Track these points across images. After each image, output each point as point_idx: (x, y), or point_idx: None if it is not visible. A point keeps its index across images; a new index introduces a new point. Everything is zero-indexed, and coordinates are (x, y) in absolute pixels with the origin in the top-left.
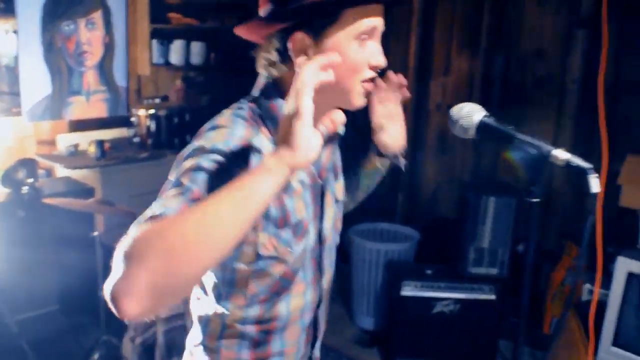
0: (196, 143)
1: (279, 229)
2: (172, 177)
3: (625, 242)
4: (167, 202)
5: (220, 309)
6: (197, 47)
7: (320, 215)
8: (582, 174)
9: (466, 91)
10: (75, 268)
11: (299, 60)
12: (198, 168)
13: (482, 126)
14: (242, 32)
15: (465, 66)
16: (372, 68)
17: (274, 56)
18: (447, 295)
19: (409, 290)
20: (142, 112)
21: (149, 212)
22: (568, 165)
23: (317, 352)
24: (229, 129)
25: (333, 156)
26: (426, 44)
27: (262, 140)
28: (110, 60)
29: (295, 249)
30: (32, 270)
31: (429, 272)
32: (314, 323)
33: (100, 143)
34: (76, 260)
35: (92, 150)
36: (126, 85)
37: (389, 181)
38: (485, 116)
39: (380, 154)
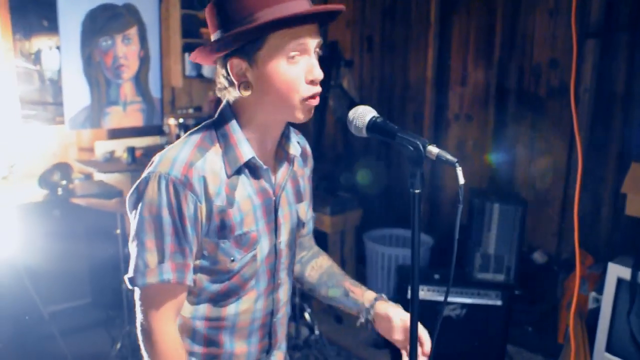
0: (146, 171)
1: (219, 239)
2: (135, 213)
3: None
4: (157, 265)
5: None
6: None
7: (274, 230)
8: (451, 166)
9: (482, 101)
10: (104, 263)
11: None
12: (159, 236)
13: (370, 125)
14: (195, 57)
15: (481, 77)
16: (310, 83)
17: (222, 81)
18: (453, 299)
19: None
20: (172, 121)
21: (150, 266)
22: (438, 158)
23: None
24: (174, 155)
25: (296, 179)
26: (443, 56)
27: (209, 162)
28: (145, 72)
29: (240, 259)
30: (67, 265)
31: (436, 276)
32: (269, 332)
33: (131, 150)
34: (104, 256)
35: (125, 156)
36: (160, 97)
37: (407, 188)
38: (374, 117)
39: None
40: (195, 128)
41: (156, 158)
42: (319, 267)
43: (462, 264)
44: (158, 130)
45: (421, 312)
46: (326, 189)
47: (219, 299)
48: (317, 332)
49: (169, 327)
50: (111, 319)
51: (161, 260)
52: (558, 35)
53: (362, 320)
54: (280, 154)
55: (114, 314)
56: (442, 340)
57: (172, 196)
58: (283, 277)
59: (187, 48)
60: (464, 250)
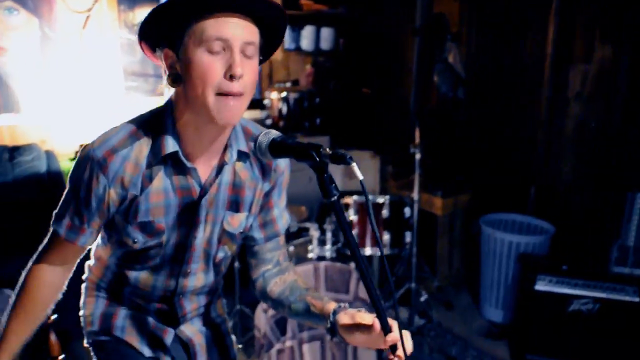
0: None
1: (124, 221)
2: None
3: None
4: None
5: (95, 255)
6: (327, 33)
7: (190, 226)
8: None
9: (609, 81)
10: None
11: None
12: (68, 197)
13: (271, 146)
14: (144, 50)
15: (609, 55)
16: (228, 79)
17: (164, 73)
18: (585, 293)
19: (543, 285)
20: (274, 95)
21: (56, 215)
22: (332, 157)
23: (186, 332)
24: (108, 137)
25: (240, 188)
26: (566, 32)
27: (135, 151)
28: None
29: (142, 242)
30: None
31: (564, 267)
32: (171, 306)
33: None
34: None
35: None
36: (259, 70)
37: (521, 172)
38: (276, 137)
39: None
40: (141, 114)
41: (99, 133)
42: (282, 282)
43: (596, 256)
44: (257, 104)
45: (546, 306)
46: (435, 170)
47: (125, 262)
48: (435, 320)
49: (43, 271)
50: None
51: (62, 216)
52: None
53: (327, 332)
54: (222, 158)
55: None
56: (571, 335)
57: (86, 171)
58: (195, 268)
59: (289, 20)
60: (597, 242)
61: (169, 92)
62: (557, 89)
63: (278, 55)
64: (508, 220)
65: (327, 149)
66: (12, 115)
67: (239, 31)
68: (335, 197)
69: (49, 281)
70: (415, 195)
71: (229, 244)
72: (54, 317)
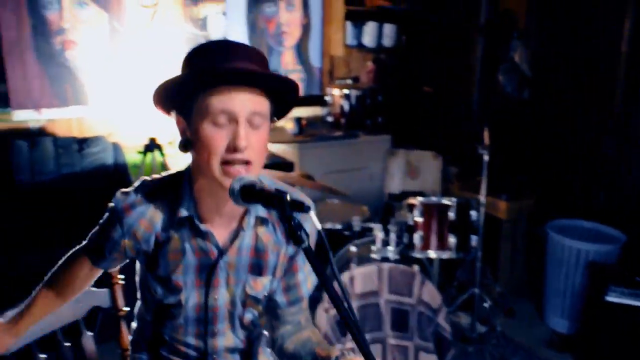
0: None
1: (145, 270)
2: None
3: None
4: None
5: (137, 316)
6: (389, 30)
7: (209, 287)
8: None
9: None
10: None
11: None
12: (98, 228)
13: (244, 190)
14: (161, 111)
15: None
16: (229, 150)
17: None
18: None
19: (615, 297)
20: (336, 92)
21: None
22: (291, 205)
23: None
24: (132, 190)
25: (262, 251)
26: None
27: (152, 211)
28: (306, 41)
29: (163, 296)
30: None
31: (638, 279)
32: None
33: (298, 120)
34: None
35: (290, 126)
36: (320, 66)
37: (589, 175)
38: (247, 183)
39: None
40: (163, 175)
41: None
42: (297, 339)
43: None
44: (318, 100)
45: (618, 318)
46: (499, 172)
47: (157, 320)
48: (498, 328)
49: (75, 262)
50: None
51: (91, 238)
52: None
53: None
54: (240, 223)
55: None
56: None
57: (110, 216)
58: (222, 328)
59: (349, 16)
60: None
61: None
62: (631, 88)
63: (339, 51)
64: (575, 226)
65: (288, 197)
66: (81, 107)
67: (244, 103)
68: (306, 244)
69: (77, 271)
70: (482, 197)
71: (255, 306)
72: None
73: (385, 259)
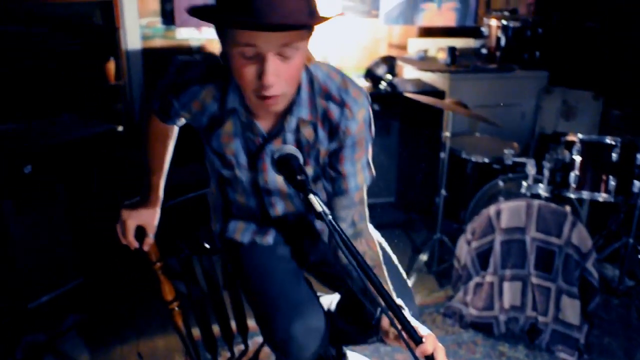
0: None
1: (205, 141)
2: None
3: None
4: None
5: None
6: None
7: (257, 171)
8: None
9: None
10: (417, 166)
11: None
12: (159, 90)
13: (278, 160)
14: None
15: None
16: (260, 86)
17: None
18: None
19: None
20: (493, 22)
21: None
22: (296, 185)
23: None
24: (191, 68)
25: (301, 145)
26: None
27: (204, 92)
28: None
29: (219, 166)
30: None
31: None
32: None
33: (451, 49)
34: (420, 158)
35: (441, 56)
36: None
37: None
38: (283, 154)
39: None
40: (220, 60)
41: (199, 56)
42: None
43: None
44: (471, 32)
45: None
46: None
47: (222, 186)
48: None
49: (154, 120)
50: (415, 223)
51: (157, 100)
52: None
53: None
54: (285, 120)
55: (419, 218)
56: None
57: (167, 84)
58: (278, 200)
59: None
60: None
61: (384, 16)
62: None
63: None
64: None
65: (303, 175)
66: None
67: (270, 39)
68: (330, 216)
69: (161, 125)
70: None
71: None
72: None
73: (535, 196)
